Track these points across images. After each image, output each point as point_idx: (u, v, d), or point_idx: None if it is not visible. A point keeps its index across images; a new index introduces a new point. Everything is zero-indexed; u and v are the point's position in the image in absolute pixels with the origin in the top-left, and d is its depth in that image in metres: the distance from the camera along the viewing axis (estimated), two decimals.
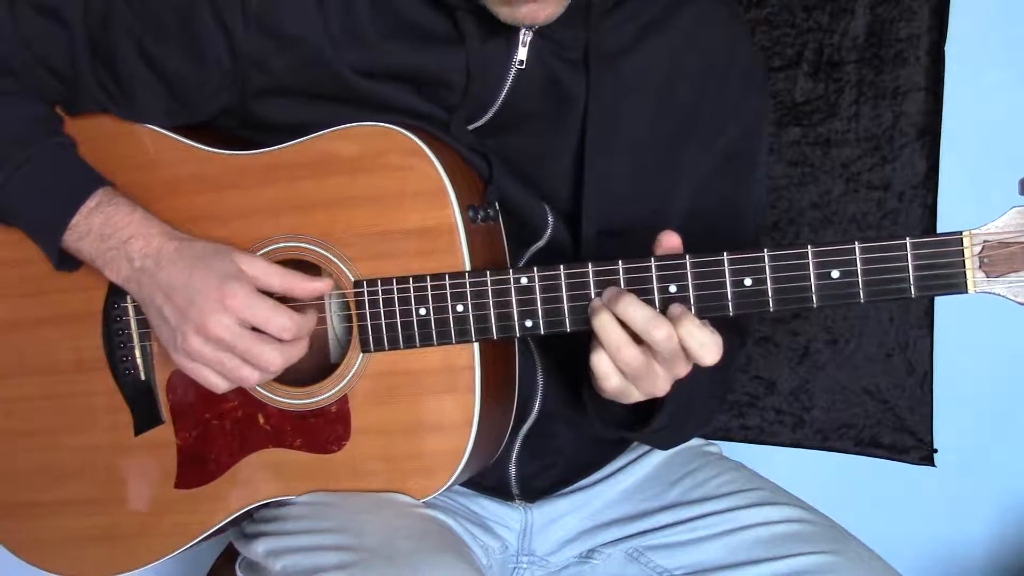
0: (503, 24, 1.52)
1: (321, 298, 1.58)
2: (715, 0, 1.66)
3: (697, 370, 1.45)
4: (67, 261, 1.59)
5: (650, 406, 1.51)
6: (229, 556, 1.78)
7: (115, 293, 1.61)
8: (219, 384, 1.51)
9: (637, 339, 1.39)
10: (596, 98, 1.57)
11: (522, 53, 1.55)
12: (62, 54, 1.57)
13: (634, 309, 1.38)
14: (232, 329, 1.46)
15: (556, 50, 1.56)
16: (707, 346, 1.37)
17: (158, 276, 1.50)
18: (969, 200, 2.22)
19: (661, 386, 1.42)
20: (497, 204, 1.58)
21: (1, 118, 1.58)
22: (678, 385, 1.45)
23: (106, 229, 1.53)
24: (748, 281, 1.38)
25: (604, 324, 1.39)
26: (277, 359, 1.48)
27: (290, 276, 1.50)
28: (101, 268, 1.55)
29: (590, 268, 1.43)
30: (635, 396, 1.42)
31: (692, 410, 1.56)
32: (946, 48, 2.19)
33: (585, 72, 1.57)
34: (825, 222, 2.29)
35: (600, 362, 1.40)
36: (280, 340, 1.48)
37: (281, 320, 1.47)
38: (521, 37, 1.55)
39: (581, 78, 1.57)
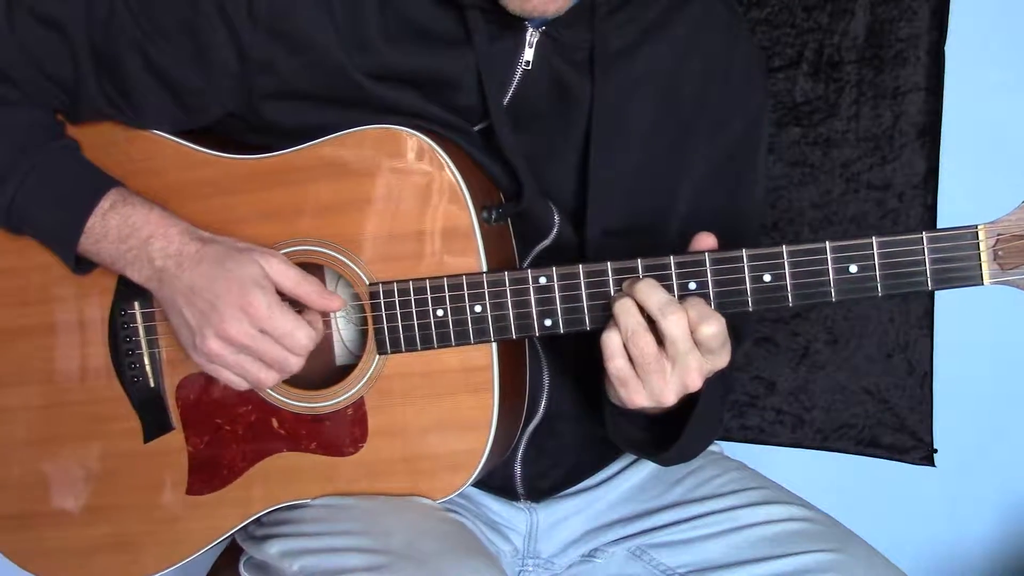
0: (510, 23, 1.52)
1: None
2: (716, 1, 1.67)
3: (708, 393, 1.47)
4: (83, 265, 1.58)
5: (663, 428, 1.53)
6: (230, 556, 1.77)
7: (122, 299, 1.61)
8: (239, 383, 1.52)
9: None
10: (601, 98, 1.57)
11: (528, 54, 1.56)
12: (64, 64, 1.55)
13: (652, 292, 1.40)
14: (252, 335, 1.47)
15: (561, 51, 1.57)
16: (715, 332, 1.39)
17: (180, 277, 1.50)
18: (969, 200, 2.23)
19: (668, 392, 1.42)
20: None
21: (2, 126, 1.57)
22: (696, 412, 1.48)
23: (124, 230, 1.52)
24: (767, 277, 1.40)
25: (624, 307, 1.41)
26: (295, 362, 1.49)
27: (305, 283, 1.50)
28: (122, 269, 1.54)
29: (609, 267, 1.44)
30: (640, 394, 1.42)
31: (702, 432, 1.57)
32: (946, 48, 2.20)
33: (590, 73, 1.57)
34: (825, 222, 2.29)
35: (611, 340, 1.41)
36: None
37: (299, 335, 1.48)
38: (528, 38, 1.55)
39: (586, 79, 1.58)
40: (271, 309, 1.46)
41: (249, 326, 1.46)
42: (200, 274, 1.49)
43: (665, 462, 1.63)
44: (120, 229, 1.52)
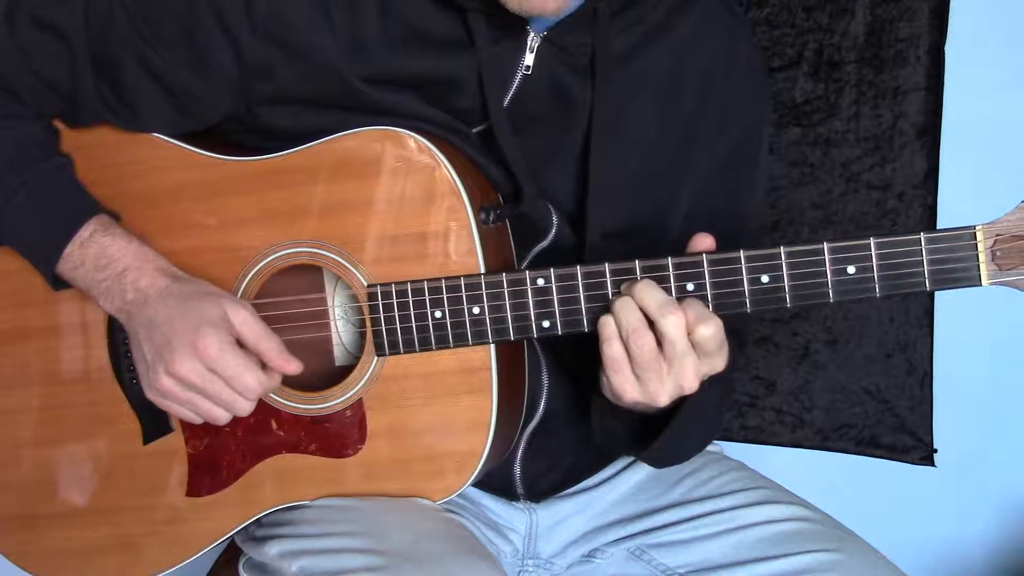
0: (511, 27, 1.52)
1: (325, 303, 1.58)
2: (717, 2, 1.67)
3: (698, 394, 1.46)
4: (62, 283, 1.59)
5: (649, 427, 1.53)
6: (230, 556, 1.78)
7: None
8: (193, 419, 1.53)
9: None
10: (601, 102, 1.57)
11: (529, 58, 1.56)
12: (62, 69, 1.56)
13: (650, 293, 1.40)
14: (202, 374, 1.47)
15: (562, 56, 1.57)
16: (712, 333, 1.39)
17: (144, 311, 1.51)
18: (969, 200, 2.22)
19: (663, 392, 1.42)
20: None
21: None
22: (683, 409, 1.48)
23: (101, 260, 1.53)
24: (765, 278, 1.40)
25: (624, 304, 1.41)
26: (246, 407, 1.50)
27: (266, 338, 1.50)
28: (96, 298, 1.55)
29: (607, 268, 1.44)
30: (632, 384, 1.42)
31: (692, 432, 1.57)
32: (946, 48, 2.20)
33: (591, 78, 1.57)
34: (825, 222, 2.29)
35: (608, 323, 1.41)
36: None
37: (247, 380, 1.48)
38: (529, 42, 1.55)
39: (586, 83, 1.58)
40: (222, 350, 1.46)
41: (199, 365, 1.46)
42: (161, 310, 1.49)
43: (654, 462, 1.63)
44: (97, 259, 1.53)
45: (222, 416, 1.51)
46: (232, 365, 1.47)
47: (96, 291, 1.54)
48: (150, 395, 1.53)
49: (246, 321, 1.49)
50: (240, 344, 1.49)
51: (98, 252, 1.53)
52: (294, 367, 1.51)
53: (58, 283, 1.58)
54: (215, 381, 1.48)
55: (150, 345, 1.49)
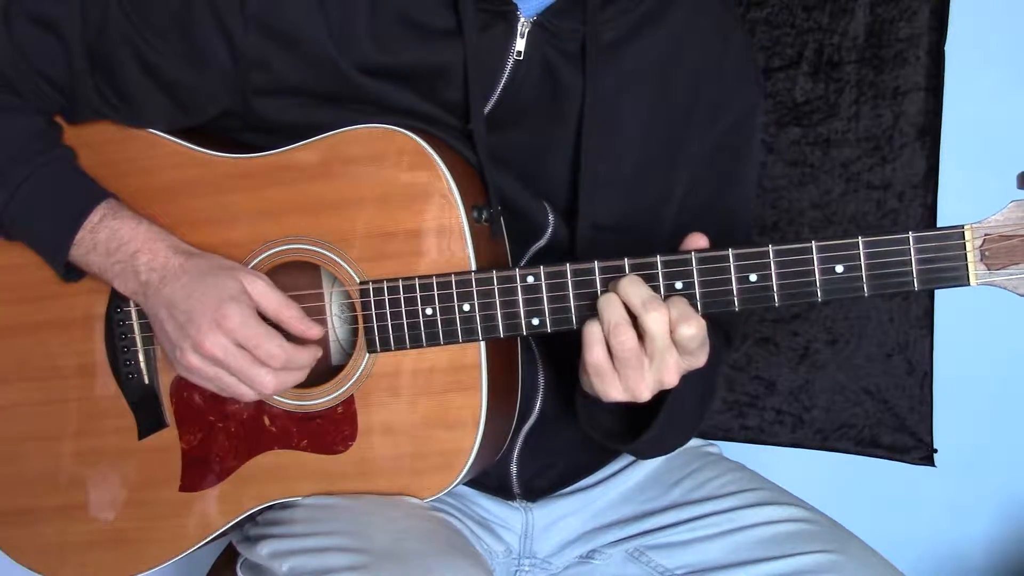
0: (502, 13, 1.53)
1: (322, 300, 1.58)
2: None
3: (685, 387, 1.46)
4: (73, 272, 1.59)
5: (636, 418, 1.53)
6: (229, 557, 1.78)
7: (118, 296, 1.61)
8: (223, 393, 1.53)
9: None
10: (593, 91, 1.57)
11: (520, 44, 1.56)
12: (59, 65, 1.56)
13: (634, 289, 1.40)
14: (227, 348, 1.48)
15: (553, 41, 1.57)
16: (693, 334, 1.39)
17: (162, 291, 1.51)
18: (969, 200, 2.20)
19: (644, 387, 1.42)
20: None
21: (0, 134, 1.58)
22: (670, 401, 1.48)
23: (112, 243, 1.54)
24: (753, 277, 1.40)
25: (608, 300, 1.40)
26: (270, 382, 1.50)
27: (286, 307, 1.51)
28: (110, 281, 1.56)
29: (596, 265, 1.43)
30: (615, 387, 1.42)
31: (676, 425, 1.57)
32: (946, 48, 2.20)
33: (582, 64, 1.57)
34: (825, 222, 2.29)
35: (592, 330, 1.41)
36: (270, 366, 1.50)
37: (270, 347, 1.48)
38: (519, 28, 1.55)
39: (578, 70, 1.58)
40: (244, 322, 1.47)
41: (224, 339, 1.47)
42: (180, 288, 1.50)
43: (637, 453, 1.63)
44: (108, 242, 1.54)
45: (246, 392, 1.51)
46: (255, 335, 1.47)
47: (109, 274, 1.55)
48: (179, 371, 1.54)
49: (264, 291, 1.50)
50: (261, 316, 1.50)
51: (109, 235, 1.54)
52: (316, 331, 1.52)
53: (69, 272, 1.59)
54: (241, 355, 1.48)
55: (173, 323, 1.50)
